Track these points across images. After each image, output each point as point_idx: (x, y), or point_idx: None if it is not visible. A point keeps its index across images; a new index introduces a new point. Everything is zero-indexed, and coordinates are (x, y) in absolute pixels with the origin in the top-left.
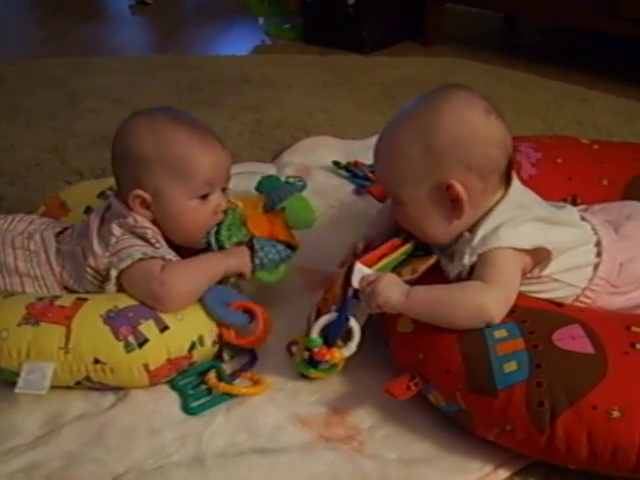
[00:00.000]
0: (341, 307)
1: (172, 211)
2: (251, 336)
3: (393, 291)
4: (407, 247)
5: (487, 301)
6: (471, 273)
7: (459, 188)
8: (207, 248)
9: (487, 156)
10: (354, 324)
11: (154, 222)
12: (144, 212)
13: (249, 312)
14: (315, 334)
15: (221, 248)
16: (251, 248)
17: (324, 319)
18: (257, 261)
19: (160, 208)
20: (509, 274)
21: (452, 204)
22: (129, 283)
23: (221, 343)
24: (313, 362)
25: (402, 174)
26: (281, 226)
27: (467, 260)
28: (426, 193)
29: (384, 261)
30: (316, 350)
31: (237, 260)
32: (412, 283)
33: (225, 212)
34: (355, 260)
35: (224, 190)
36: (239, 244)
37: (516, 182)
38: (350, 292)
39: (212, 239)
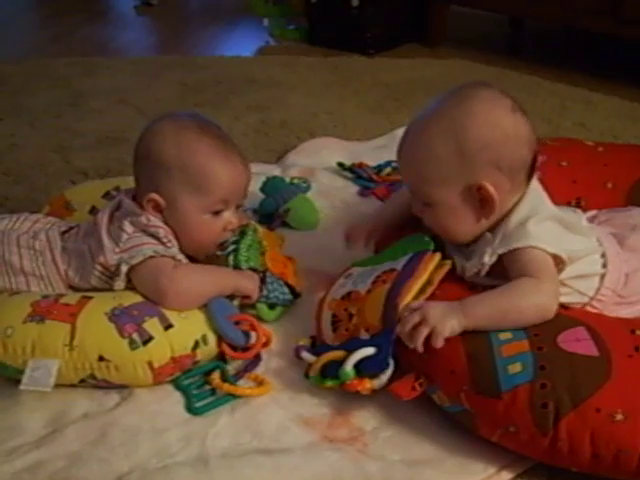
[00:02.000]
0: (383, 346)
1: (183, 221)
2: (247, 353)
3: (450, 319)
4: (436, 259)
5: (547, 296)
6: (489, 272)
7: (491, 189)
8: (212, 261)
9: (516, 155)
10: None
11: (166, 224)
12: (156, 215)
13: (249, 329)
14: (349, 368)
15: (236, 267)
16: (262, 279)
17: (360, 353)
18: (264, 292)
19: (172, 215)
20: (551, 269)
21: (481, 204)
22: (139, 279)
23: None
24: (326, 373)
25: (432, 176)
26: (293, 271)
27: (487, 259)
28: (457, 194)
29: (419, 283)
30: (348, 383)
31: (249, 283)
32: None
33: (244, 231)
34: (397, 301)
35: (238, 207)
36: (253, 270)
37: (535, 181)
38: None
39: (230, 257)
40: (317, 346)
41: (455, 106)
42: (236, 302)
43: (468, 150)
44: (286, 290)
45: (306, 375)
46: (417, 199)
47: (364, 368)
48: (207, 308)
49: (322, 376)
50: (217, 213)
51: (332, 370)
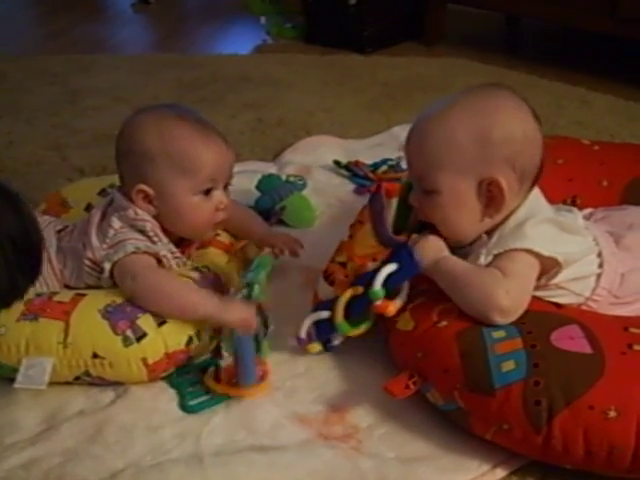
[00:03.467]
0: (402, 255)
1: (175, 206)
2: (241, 390)
3: (428, 253)
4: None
5: (497, 289)
6: None
7: (504, 185)
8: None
9: (531, 160)
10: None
11: (157, 217)
12: (147, 207)
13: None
14: (379, 286)
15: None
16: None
17: (386, 269)
18: (271, 327)
19: (163, 203)
20: (526, 273)
21: (488, 201)
22: (117, 276)
23: (219, 340)
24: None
25: (448, 161)
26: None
27: (483, 260)
28: (467, 185)
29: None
30: (378, 303)
31: (237, 316)
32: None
33: (262, 261)
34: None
35: (226, 187)
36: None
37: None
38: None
39: (254, 290)
40: (318, 304)
41: (482, 99)
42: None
43: (490, 142)
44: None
45: (329, 321)
46: (421, 186)
47: (392, 283)
48: (236, 342)
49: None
50: (207, 193)
51: (357, 310)
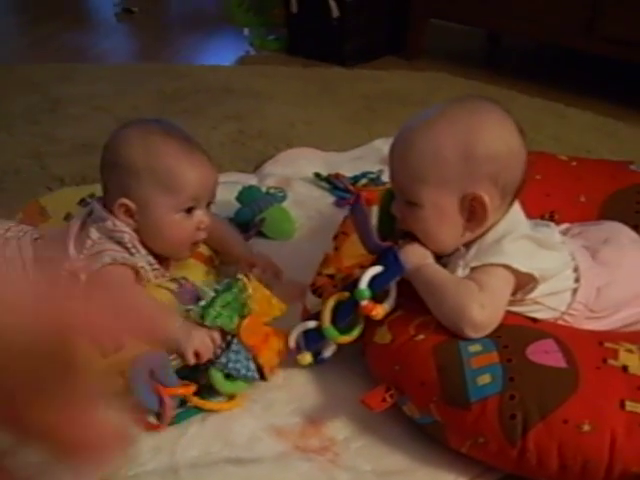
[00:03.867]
0: (388, 258)
1: (156, 222)
2: (215, 404)
3: (412, 259)
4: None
5: (472, 303)
6: None
7: (487, 201)
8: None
9: (513, 176)
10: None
11: (136, 231)
12: (127, 220)
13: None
14: (364, 285)
15: (201, 322)
16: (227, 343)
17: (371, 271)
18: (223, 359)
19: (144, 218)
20: (502, 288)
21: (470, 216)
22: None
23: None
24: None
25: (430, 175)
26: (272, 349)
27: (460, 272)
28: (450, 200)
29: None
30: (364, 304)
31: (188, 338)
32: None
33: (230, 285)
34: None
35: (208, 206)
36: (221, 330)
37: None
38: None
39: (197, 308)
40: (307, 316)
41: (468, 113)
42: (175, 362)
43: (474, 158)
44: (252, 367)
45: (318, 331)
46: (403, 197)
47: (378, 284)
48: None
49: (336, 329)
50: (189, 211)
51: (344, 315)
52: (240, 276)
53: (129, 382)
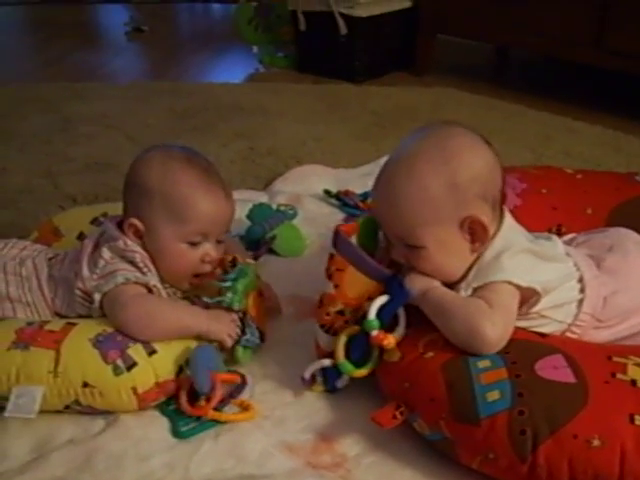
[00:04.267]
0: (393, 286)
1: (160, 247)
2: (200, 409)
3: (418, 284)
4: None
5: (484, 322)
6: None
7: (485, 220)
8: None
9: (496, 186)
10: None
11: (146, 251)
12: (136, 240)
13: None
14: (373, 316)
15: (228, 308)
16: (242, 321)
17: (379, 301)
18: (247, 336)
19: (150, 241)
20: (509, 303)
21: (472, 238)
22: (106, 306)
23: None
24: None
25: (426, 216)
26: (262, 314)
27: (463, 294)
28: (450, 232)
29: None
30: (374, 334)
31: (221, 328)
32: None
33: (244, 271)
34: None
35: (220, 242)
36: (241, 312)
37: (507, 214)
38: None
39: (227, 296)
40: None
41: (440, 143)
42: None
43: (459, 185)
44: (257, 334)
45: (334, 369)
46: (401, 245)
47: (386, 313)
48: (192, 353)
49: (351, 363)
50: (195, 244)
51: (357, 348)
52: (248, 261)
53: (190, 370)
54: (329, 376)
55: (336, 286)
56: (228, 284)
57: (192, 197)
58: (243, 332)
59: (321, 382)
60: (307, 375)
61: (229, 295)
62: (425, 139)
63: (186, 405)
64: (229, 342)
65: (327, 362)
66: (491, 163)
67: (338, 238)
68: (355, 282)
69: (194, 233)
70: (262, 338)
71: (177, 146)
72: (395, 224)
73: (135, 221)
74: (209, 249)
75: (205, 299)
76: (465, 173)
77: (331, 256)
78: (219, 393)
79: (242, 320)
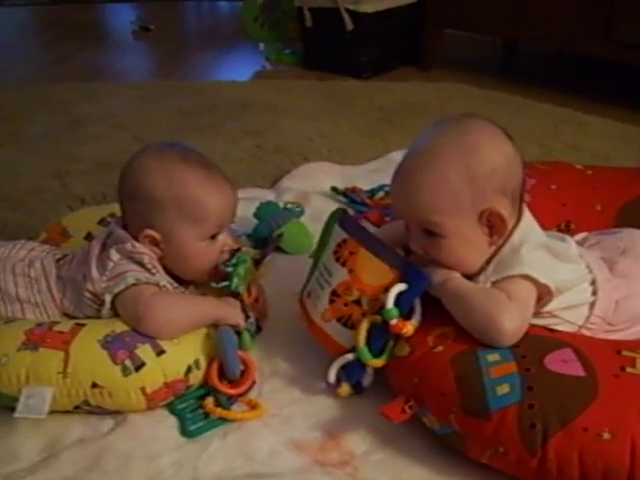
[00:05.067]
0: (411, 274)
1: (182, 251)
2: (237, 387)
3: (438, 274)
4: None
5: (502, 314)
6: None
7: (504, 213)
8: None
9: (516, 180)
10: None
11: (161, 259)
12: (153, 249)
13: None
14: (391, 304)
15: (233, 293)
16: (243, 308)
17: (396, 289)
18: (251, 320)
19: (170, 247)
20: (528, 298)
21: (490, 231)
22: (120, 307)
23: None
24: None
25: (446, 208)
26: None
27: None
28: (469, 222)
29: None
30: (394, 323)
31: (233, 313)
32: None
33: (243, 258)
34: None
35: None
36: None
37: (526, 210)
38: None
39: (234, 281)
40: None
41: (459, 135)
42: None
43: (479, 177)
44: (254, 320)
45: (358, 363)
46: (420, 234)
47: (405, 301)
48: (217, 336)
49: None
50: (213, 237)
51: (378, 338)
52: (245, 249)
53: (220, 353)
54: (353, 373)
55: (350, 271)
56: (230, 269)
57: (203, 197)
58: (247, 317)
59: (347, 384)
60: (332, 378)
61: (235, 280)
62: (445, 132)
63: (221, 386)
64: (242, 324)
65: (350, 356)
66: (511, 157)
67: (347, 220)
68: (368, 265)
69: (212, 228)
70: (258, 326)
71: (166, 145)
72: (415, 210)
73: (150, 232)
74: (225, 239)
75: (213, 284)
76: (484, 167)
77: (343, 241)
78: (254, 368)
79: (242, 305)
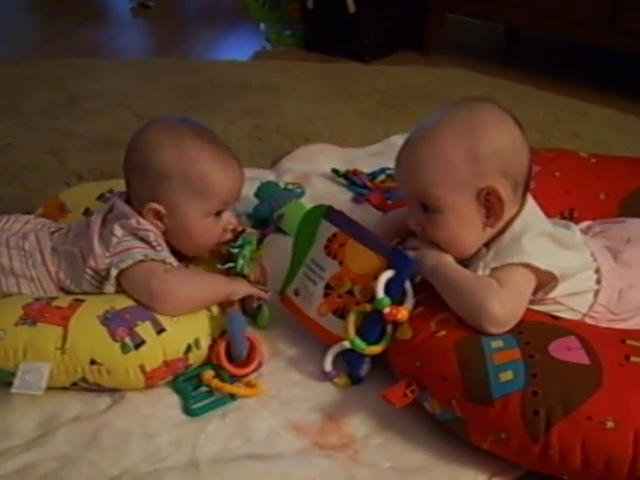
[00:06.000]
0: (397, 259)
1: (187, 226)
2: (244, 368)
3: (429, 258)
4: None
5: (492, 299)
6: None
7: (502, 192)
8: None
9: (521, 167)
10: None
11: (164, 234)
12: (156, 223)
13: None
14: (381, 293)
15: (239, 274)
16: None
17: (384, 277)
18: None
19: (174, 222)
20: (522, 286)
21: (488, 211)
22: (129, 283)
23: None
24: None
25: (443, 179)
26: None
27: (480, 273)
28: (467, 199)
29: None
30: (387, 311)
31: (241, 286)
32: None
33: (249, 240)
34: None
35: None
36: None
37: (530, 198)
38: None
39: (239, 262)
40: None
41: (466, 114)
42: (255, 304)
43: (480, 155)
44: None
45: (357, 358)
46: (418, 209)
47: (394, 288)
48: (227, 316)
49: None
50: (218, 214)
51: (372, 328)
52: (250, 231)
53: (229, 333)
54: (352, 362)
55: (340, 262)
56: (236, 250)
57: (212, 174)
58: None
59: (349, 371)
60: (328, 366)
61: (241, 261)
62: (455, 110)
63: (229, 366)
64: (256, 292)
65: (347, 344)
66: (517, 143)
67: (334, 214)
68: (356, 255)
69: (218, 205)
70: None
71: (177, 119)
72: (414, 183)
73: (155, 205)
74: (230, 217)
75: (218, 266)
76: (488, 146)
77: (334, 235)
78: (261, 348)
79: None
